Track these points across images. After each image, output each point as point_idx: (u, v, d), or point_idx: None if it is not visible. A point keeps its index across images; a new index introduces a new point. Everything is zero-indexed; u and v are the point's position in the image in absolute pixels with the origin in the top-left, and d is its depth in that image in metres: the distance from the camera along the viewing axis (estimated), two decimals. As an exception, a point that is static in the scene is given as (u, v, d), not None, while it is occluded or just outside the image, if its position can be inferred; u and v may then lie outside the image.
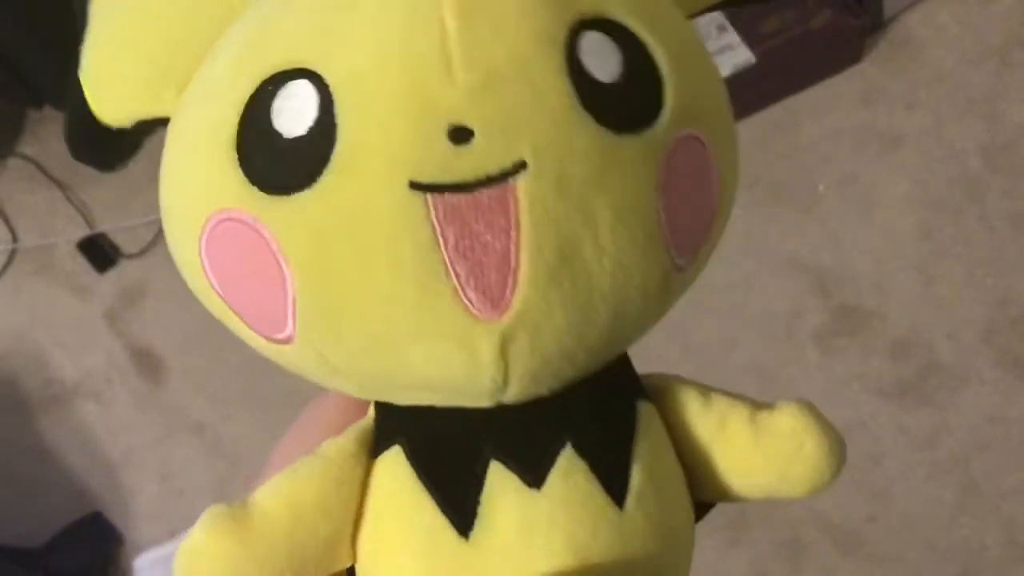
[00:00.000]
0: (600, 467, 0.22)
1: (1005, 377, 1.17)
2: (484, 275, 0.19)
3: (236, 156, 0.20)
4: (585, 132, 0.19)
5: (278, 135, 0.20)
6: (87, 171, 1.40)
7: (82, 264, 1.42)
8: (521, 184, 0.19)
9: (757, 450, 0.23)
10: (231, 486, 1.25)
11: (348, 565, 0.23)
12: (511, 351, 0.20)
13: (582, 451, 0.22)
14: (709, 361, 1.23)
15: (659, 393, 0.24)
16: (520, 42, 0.19)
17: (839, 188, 1.32)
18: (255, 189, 0.20)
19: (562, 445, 0.22)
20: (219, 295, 0.22)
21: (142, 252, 1.41)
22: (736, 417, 0.24)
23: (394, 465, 0.23)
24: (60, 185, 1.47)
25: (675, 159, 0.21)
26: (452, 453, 0.22)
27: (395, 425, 0.23)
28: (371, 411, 0.24)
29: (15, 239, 1.45)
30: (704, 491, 0.24)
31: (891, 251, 1.27)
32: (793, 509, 1.15)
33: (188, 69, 0.22)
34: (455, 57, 0.19)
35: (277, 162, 0.20)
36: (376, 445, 0.23)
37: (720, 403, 0.24)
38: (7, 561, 1.12)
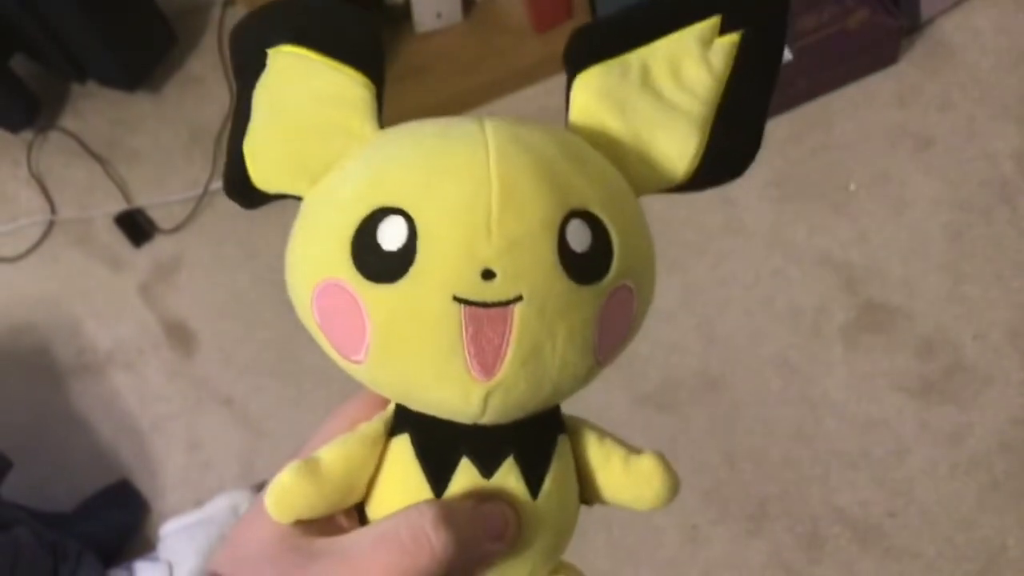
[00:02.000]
0: (527, 473, 0.35)
1: (1029, 379, 1.18)
2: (484, 356, 0.32)
3: (350, 250, 0.32)
4: (561, 283, 0.32)
5: (379, 246, 0.32)
6: (127, 147, 1.42)
7: (118, 237, 1.44)
8: (518, 308, 0.32)
9: (625, 478, 0.37)
10: (257, 458, 1.26)
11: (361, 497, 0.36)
12: (490, 400, 0.33)
13: (519, 461, 0.35)
14: (735, 354, 1.24)
15: (573, 430, 0.37)
16: (533, 223, 0.32)
17: (870, 187, 1.32)
18: (359, 274, 0.32)
19: (507, 455, 0.35)
20: (318, 324, 0.34)
21: (177, 228, 1.42)
22: (616, 457, 0.37)
23: (402, 446, 0.36)
24: (100, 160, 1.48)
25: (611, 301, 0.33)
26: (440, 446, 0.35)
27: (407, 421, 0.36)
28: (391, 407, 0.36)
29: (54, 211, 1.47)
30: (588, 496, 0.37)
31: (920, 250, 1.27)
32: (813, 503, 1.16)
33: (318, 170, 0.35)
34: (493, 229, 0.31)
35: (376, 263, 0.32)
36: (393, 428, 0.36)
37: (608, 445, 0.37)
38: (37, 524, 1.14)
